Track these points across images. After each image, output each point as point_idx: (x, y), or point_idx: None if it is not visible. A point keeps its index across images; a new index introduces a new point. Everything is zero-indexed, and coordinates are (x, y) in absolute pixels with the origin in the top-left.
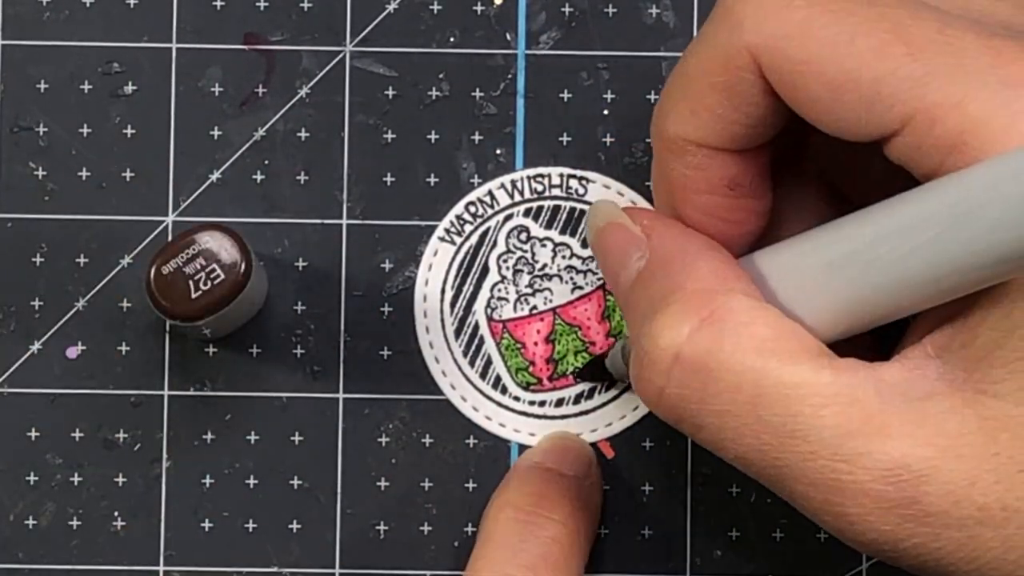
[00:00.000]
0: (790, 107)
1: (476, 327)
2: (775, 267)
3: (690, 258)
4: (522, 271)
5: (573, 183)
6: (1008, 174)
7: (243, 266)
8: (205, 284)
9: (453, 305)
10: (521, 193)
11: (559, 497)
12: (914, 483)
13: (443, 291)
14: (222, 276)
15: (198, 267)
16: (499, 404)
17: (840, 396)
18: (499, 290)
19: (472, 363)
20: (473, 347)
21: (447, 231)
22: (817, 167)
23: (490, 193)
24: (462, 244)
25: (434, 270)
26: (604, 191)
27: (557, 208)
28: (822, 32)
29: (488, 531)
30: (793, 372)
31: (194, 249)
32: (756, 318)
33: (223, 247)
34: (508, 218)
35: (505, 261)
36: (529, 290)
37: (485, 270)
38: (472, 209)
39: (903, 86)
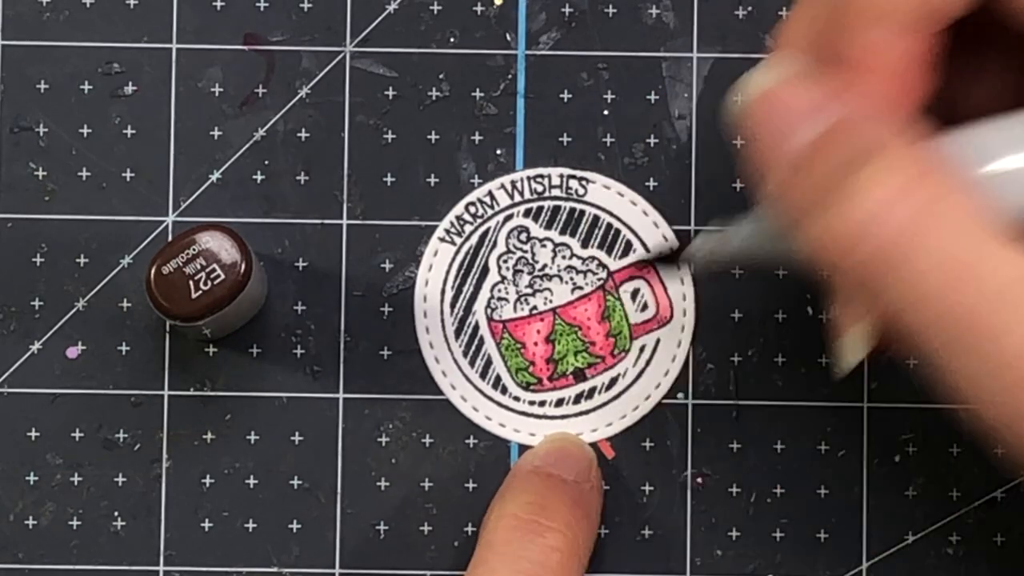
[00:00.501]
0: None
1: (476, 327)
2: (967, 147)
3: (887, 124)
4: (522, 271)
5: (573, 183)
6: None
7: (243, 266)
8: (205, 284)
9: (453, 305)
10: (521, 193)
11: (559, 504)
12: None
13: (443, 291)
14: (222, 276)
15: (198, 267)
16: (499, 404)
17: None
18: (499, 290)
19: (472, 363)
20: (473, 347)
21: (447, 231)
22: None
23: (490, 193)
24: (462, 244)
25: (434, 270)
26: (604, 191)
27: (557, 208)
28: None
29: (488, 539)
30: (998, 249)
31: (194, 249)
32: (967, 188)
33: (223, 247)
34: (508, 218)
35: (505, 261)
36: (529, 290)
37: (485, 270)
38: (472, 209)
39: None
